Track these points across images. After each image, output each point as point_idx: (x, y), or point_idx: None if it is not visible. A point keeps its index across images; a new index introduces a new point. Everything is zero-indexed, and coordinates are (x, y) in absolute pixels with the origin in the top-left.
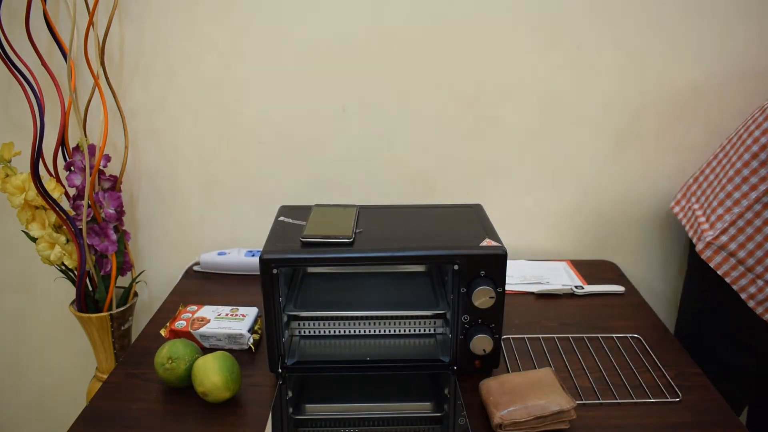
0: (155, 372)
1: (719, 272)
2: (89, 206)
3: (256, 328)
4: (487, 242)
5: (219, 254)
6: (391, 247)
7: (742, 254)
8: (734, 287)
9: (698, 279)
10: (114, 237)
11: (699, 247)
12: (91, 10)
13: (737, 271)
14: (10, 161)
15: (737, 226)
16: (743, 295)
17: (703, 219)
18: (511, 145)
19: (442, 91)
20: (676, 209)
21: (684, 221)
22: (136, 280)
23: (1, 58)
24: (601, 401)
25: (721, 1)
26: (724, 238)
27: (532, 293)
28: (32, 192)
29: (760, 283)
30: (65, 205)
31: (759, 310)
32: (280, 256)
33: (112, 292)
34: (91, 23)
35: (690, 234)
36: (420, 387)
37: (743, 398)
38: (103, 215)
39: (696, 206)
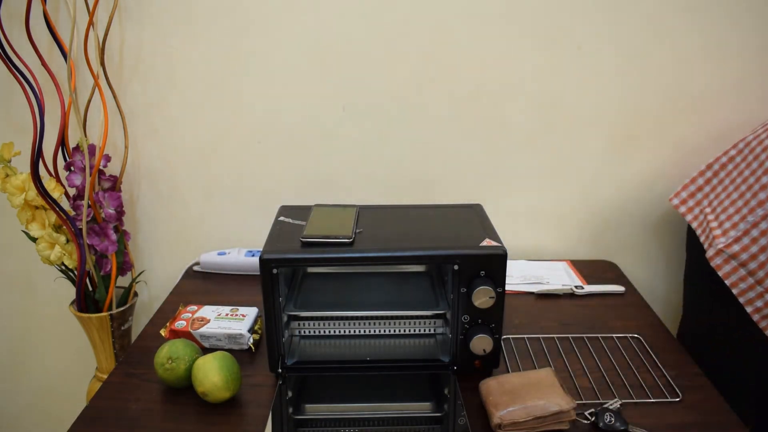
0: (155, 372)
1: (727, 282)
2: (89, 206)
3: (256, 328)
4: (487, 242)
5: (219, 254)
6: (391, 247)
7: (753, 265)
8: (740, 299)
9: (699, 285)
10: (114, 237)
11: (709, 253)
12: (91, 10)
13: (746, 283)
14: (10, 161)
15: (751, 236)
16: (749, 308)
17: (715, 224)
18: (510, 144)
19: (443, 91)
20: (683, 209)
21: (694, 224)
22: (136, 280)
23: (1, 58)
24: (601, 401)
25: (723, 1)
26: (736, 247)
27: (532, 293)
28: (32, 192)
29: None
30: (65, 205)
31: (763, 324)
32: (280, 256)
33: (112, 292)
34: (91, 23)
35: (702, 239)
36: (420, 387)
37: (747, 416)
38: (103, 215)
39: (708, 209)
